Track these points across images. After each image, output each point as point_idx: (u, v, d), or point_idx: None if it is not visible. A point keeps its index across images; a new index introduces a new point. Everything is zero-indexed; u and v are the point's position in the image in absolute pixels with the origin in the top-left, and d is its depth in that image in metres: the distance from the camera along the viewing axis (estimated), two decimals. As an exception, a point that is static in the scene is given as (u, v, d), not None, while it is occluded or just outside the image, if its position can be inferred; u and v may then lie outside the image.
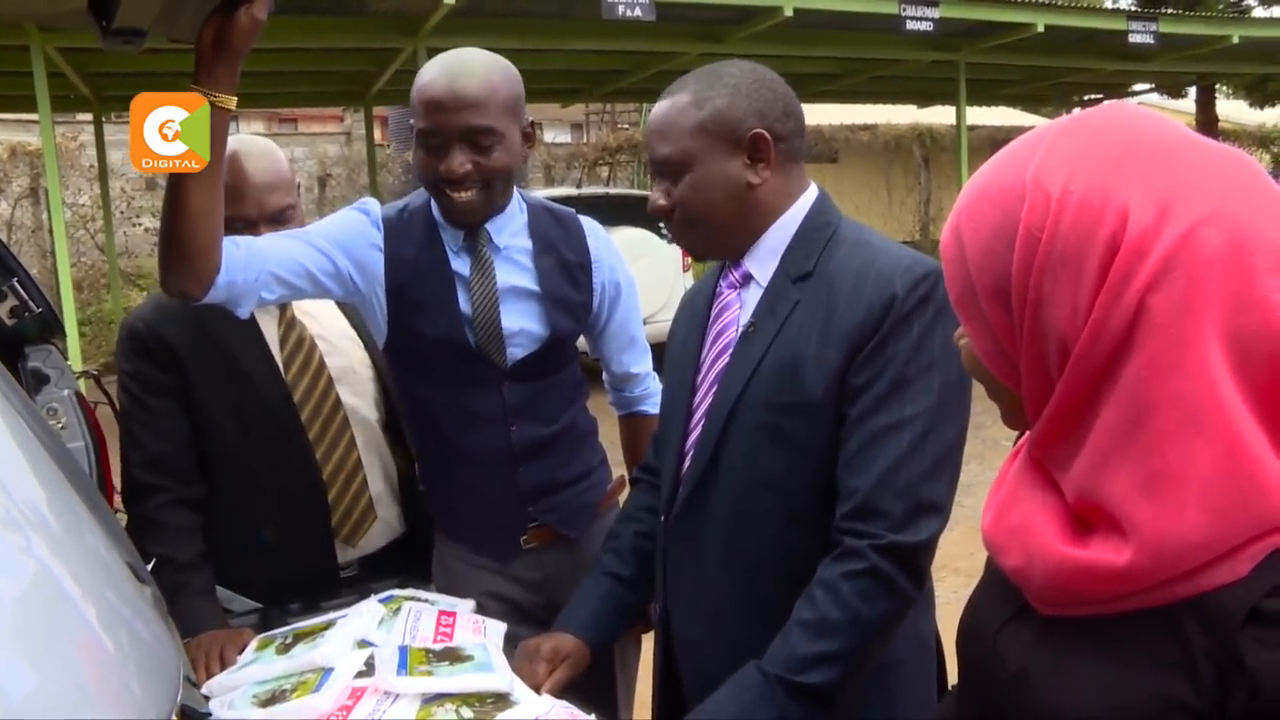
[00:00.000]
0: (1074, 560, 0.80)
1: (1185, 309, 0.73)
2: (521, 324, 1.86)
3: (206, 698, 1.45)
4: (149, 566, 1.67)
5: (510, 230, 1.88)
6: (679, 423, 1.56)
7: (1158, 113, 0.86)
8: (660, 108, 1.48)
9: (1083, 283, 0.76)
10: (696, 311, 1.60)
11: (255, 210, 1.87)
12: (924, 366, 1.36)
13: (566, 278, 1.92)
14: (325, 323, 2.02)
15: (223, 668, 1.60)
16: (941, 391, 1.36)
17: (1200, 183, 0.76)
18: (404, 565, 2.01)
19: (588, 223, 2.02)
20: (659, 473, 1.69)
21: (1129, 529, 0.76)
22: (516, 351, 1.86)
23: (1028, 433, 0.88)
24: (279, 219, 1.89)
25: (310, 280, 1.75)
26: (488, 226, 1.84)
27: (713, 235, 1.50)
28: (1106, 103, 0.85)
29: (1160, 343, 0.74)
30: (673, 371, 1.63)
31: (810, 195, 1.52)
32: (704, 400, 1.52)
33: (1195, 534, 0.74)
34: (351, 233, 1.81)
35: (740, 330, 1.49)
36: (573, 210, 2.03)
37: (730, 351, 1.49)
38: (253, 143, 1.94)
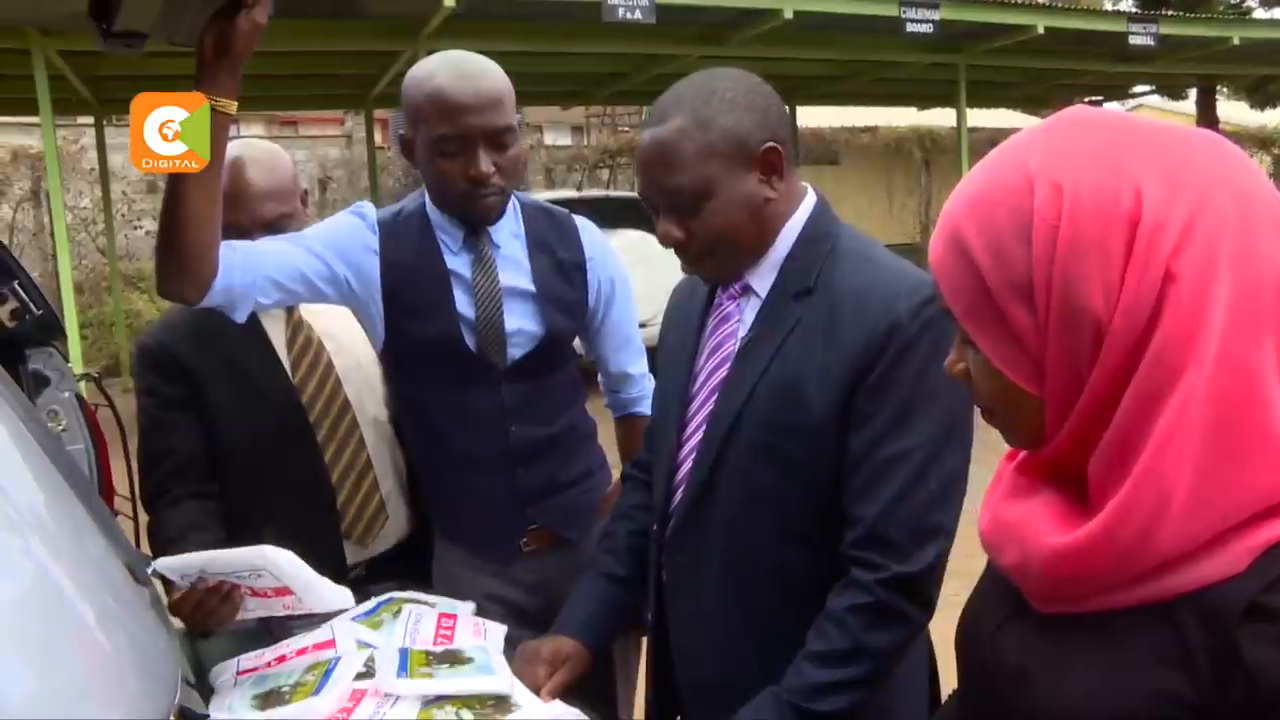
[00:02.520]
0: (1064, 546, 0.80)
1: (1207, 271, 0.76)
2: (519, 323, 1.86)
3: (208, 694, 1.46)
4: (151, 570, 1.68)
5: (506, 230, 1.89)
6: (671, 434, 1.55)
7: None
8: (658, 137, 1.38)
9: (1110, 261, 0.77)
10: (689, 317, 1.58)
11: (249, 219, 1.87)
12: (930, 392, 1.34)
13: (562, 276, 1.93)
14: (334, 321, 2.02)
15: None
16: (948, 415, 1.35)
17: (1193, 155, 0.80)
18: (409, 568, 2.01)
19: (582, 222, 2.02)
20: (651, 469, 1.69)
21: (1122, 489, 0.77)
22: (515, 351, 1.86)
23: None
24: (274, 228, 1.88)
25: (306, 285, 1.75)
26: (488, 226, 1.85)
27: (733, 258, 1.46)
28: (1072, 106, 0.86)
29: (1186, 307, 0.76)
30: (665, 379, 1.62)
31: (809, 202, 1.49)
32: (699, 413, 1.51)
33: (1179, 492, 0.75)
34: (347, 237, 1.81)
35: (739, 344, 1.47)
36: (566, 210, 2.04)
37: (728, 365, 1.48)
38: (257, 148, 1.94)
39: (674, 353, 1.60)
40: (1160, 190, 0.77)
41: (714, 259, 1.45)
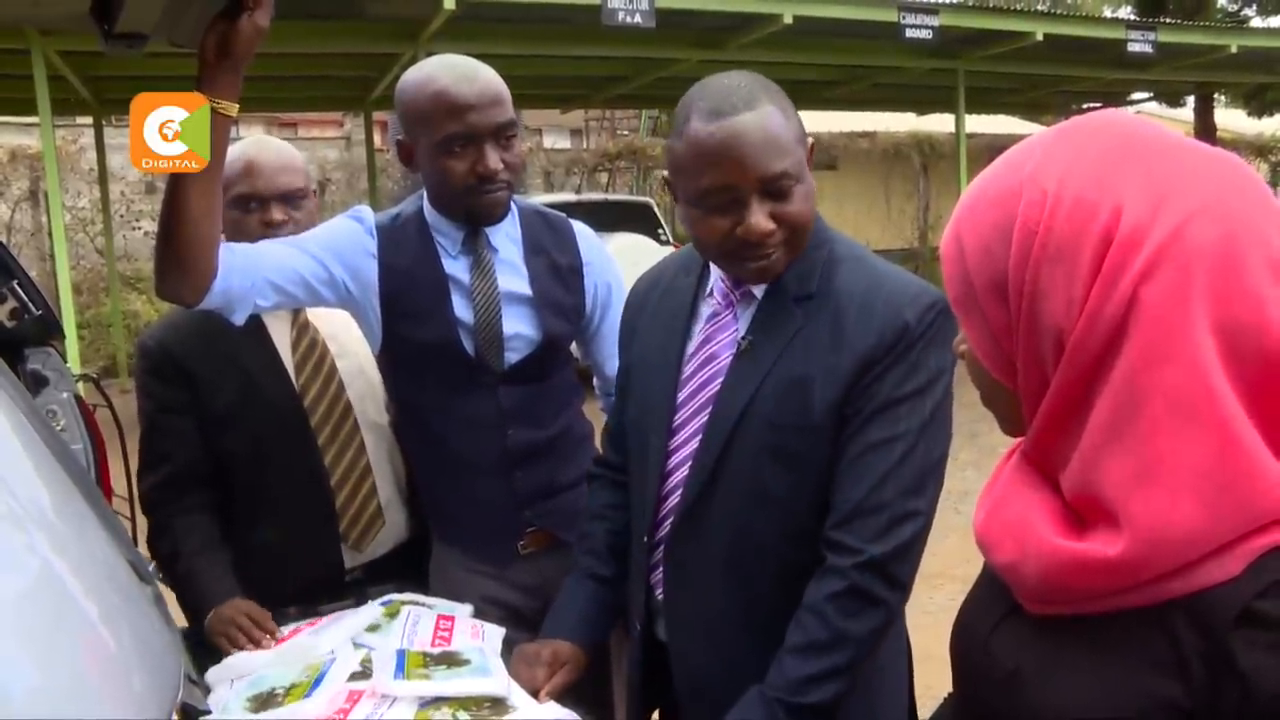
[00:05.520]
0: (1069, 553, 0.80)
1: (1177, 300, 0.74)
2: (516, 328, 1.87)
3: (207, 691, 1.46)
4: (152, 567, 1.69)
5: (504, 234, 1.90)
6: (659, 439, 1.54)
7: (1152, 120, 0.87)
8: (760, 122, 1.35)
9: (1077, 275, 0.77)
10: (671, 324, 1.57)
11: (266, 186, 1.90)
12: (919, 386, 1.39)
13: (558, 281, 1.94)
14: (338, 325, 2.02)
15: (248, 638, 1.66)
16: (932, 410, 1.40)
17: (1193, 179, 0.78)
18: (407, 571, 2.01)
19: (578, 226, 2.04)
20: (620, 469, 1.70)
21: (1123, 519, 0.77)
22: (512, 356, 1.87)
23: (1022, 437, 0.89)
24: (291, 200, 1.93)
25: (306, 288, 1.76)
26: (485, 229, 1.86)
27: (801, 246, 1.45)
28: (1101, 110, 0.86)
29: (1153, 333, 0.75)
30: (645, 384, 1.60)
31: None
32: (693, 419, 1.51)
33: (1189, 524, 0.75)
34: (346, 240, 1.83)
35: (737, 347, 1.48)
36: (564, 214, 2.05)
37: (725, 369, 1.48)
38: (266, 139, 2.01)
39: (654, 361, 1.58)
40: (1141, 210, 0.76)
41: (789, 247, 1.43)
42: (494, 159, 1.77)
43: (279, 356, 1.96)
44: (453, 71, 1.77)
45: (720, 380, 1.48)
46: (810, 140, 1.46)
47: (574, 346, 2.06)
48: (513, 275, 1.89)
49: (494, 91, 1.77)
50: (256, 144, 1.96)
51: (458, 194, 1.80)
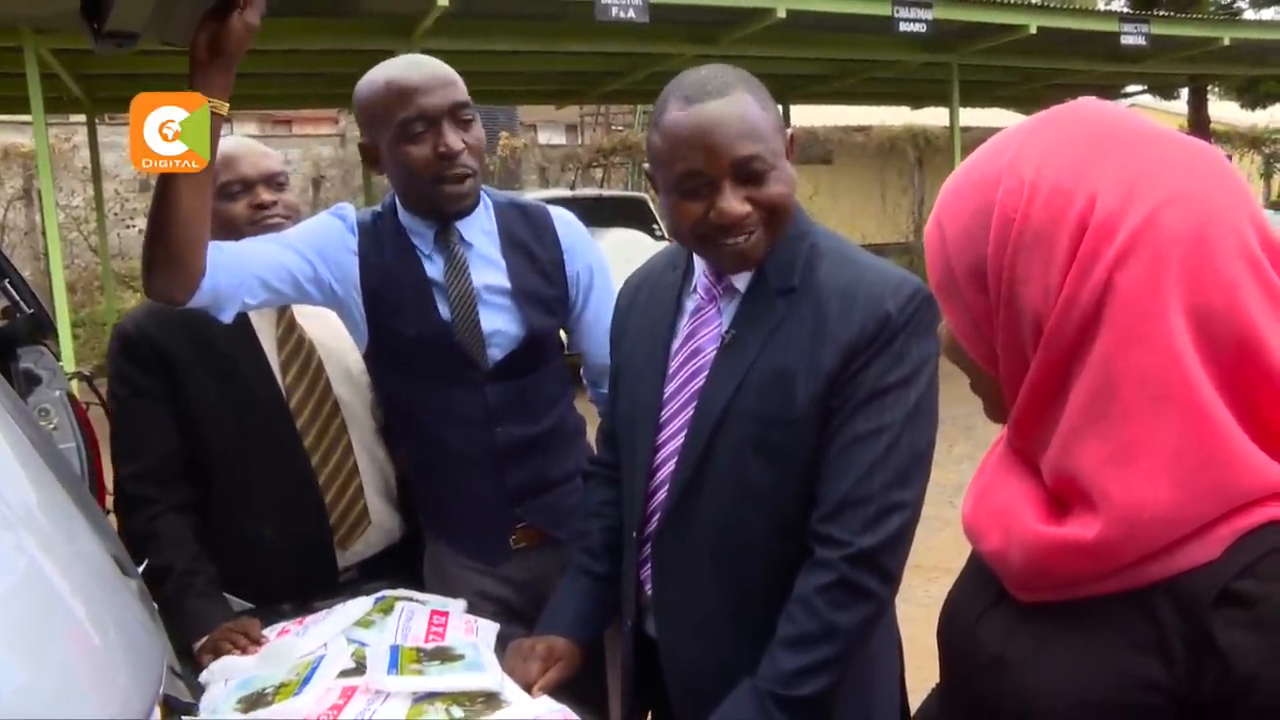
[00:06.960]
0: (1050, 538, 0.81)
1: (1151, 286, 0.76)
2: (497, 325, 1.86)
3: (192, 684, 1.46)
4: (142, 570, 1.68)
5: (478, 228, 1.89)
6: (647, 434, 1.54)
7: (1130, 109, 0.88)
8: (733, 107, 1.37)
9: (1054, 262, 0.79)
10: (657, 323, 1.57)
11: (250, 169, 1.92)
12: (903, 377, 1.39)
13: (538, 273, 1.92)
14: (326, 324, 2.01)
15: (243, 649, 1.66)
16: (917, 400, 1.40)
17: (1167, 168, 0.79)
18: (401, 570, 2.01)
19: (557, 212, 2.02)
20: (613, 466, 1.70)
21: (1100, 501, 0.78)
22: (495, 353, 1.86)
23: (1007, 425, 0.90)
24: (274, 183, 1.94)
25: (293, 285, 1.76)
26: (457, 225, 1.86)
27: (779, 231, 1.45)
28: (1081, 98, 0.87)
29: (1127, 318, 0.76)
30: (632, 383, 1.61)
31: None
32: (680, 414, 1.51)
33: (1165, 506, 0.76)
34: (329, 238, 1.83)
35: (721, 340, 1.48)
36: (542, 204, 2.04)
37: (710, 363, 1.48)
38: (237, 139, 2.02)
39: (641, 358, 1.59)
40: (1115, 198, 0.78)
41: (767, 228, 1.42)
42: (454, 138, 1.76)
43: (264, 353, 1.95)
44: (399, 63, 1.80)
45: (705, 375, 1.48)
46: (790, 132, 1.45)
47: (564, 335, 2.04)
48: (490, 270, 1.88)
49: (442, 74, 1.78)
50: (229, 141, 1.96)
51: (423, 183, 1.79)
